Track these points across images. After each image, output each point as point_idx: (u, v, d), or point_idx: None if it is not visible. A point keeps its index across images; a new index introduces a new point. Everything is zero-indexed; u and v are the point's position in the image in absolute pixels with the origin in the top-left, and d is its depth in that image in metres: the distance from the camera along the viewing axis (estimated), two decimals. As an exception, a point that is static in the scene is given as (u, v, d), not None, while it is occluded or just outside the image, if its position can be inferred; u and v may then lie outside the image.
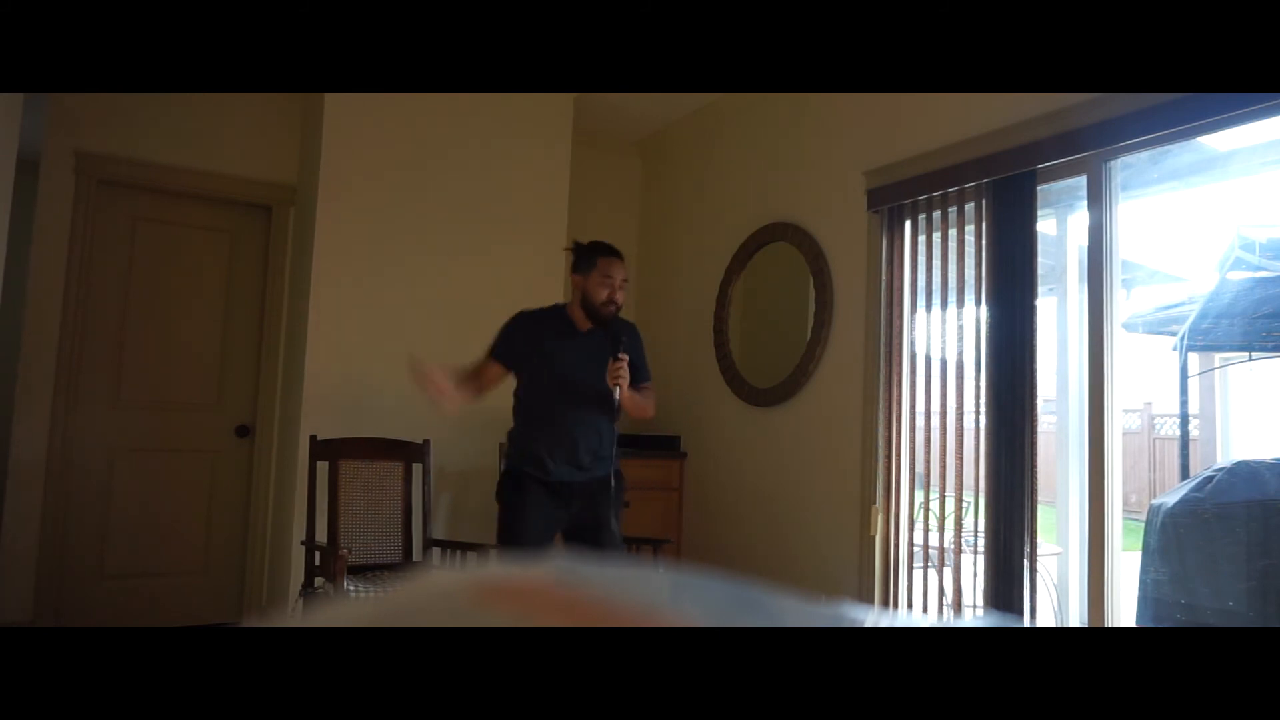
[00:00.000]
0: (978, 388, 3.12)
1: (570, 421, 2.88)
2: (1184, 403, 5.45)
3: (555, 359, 2.89)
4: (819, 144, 3.98)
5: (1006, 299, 3.03)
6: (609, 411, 2.88)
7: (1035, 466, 2.93)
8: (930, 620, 3.28)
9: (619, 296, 2.91)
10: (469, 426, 3.96)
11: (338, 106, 4.00)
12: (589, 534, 2.92)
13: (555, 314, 3.00)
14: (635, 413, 2.98)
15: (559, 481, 2.89)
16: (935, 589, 3.34)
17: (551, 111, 4.50)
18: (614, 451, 2.98)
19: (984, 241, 3.15)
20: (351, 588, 3.21)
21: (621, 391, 2.83)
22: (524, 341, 2.92)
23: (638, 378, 2.93)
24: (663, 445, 4.69)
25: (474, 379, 2.92)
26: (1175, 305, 5.47)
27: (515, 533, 2.86)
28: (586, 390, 2.87)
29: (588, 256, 2.93)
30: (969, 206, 3.24)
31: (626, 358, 2.83)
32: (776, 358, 4.09)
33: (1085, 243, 2.93)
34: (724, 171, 4.62)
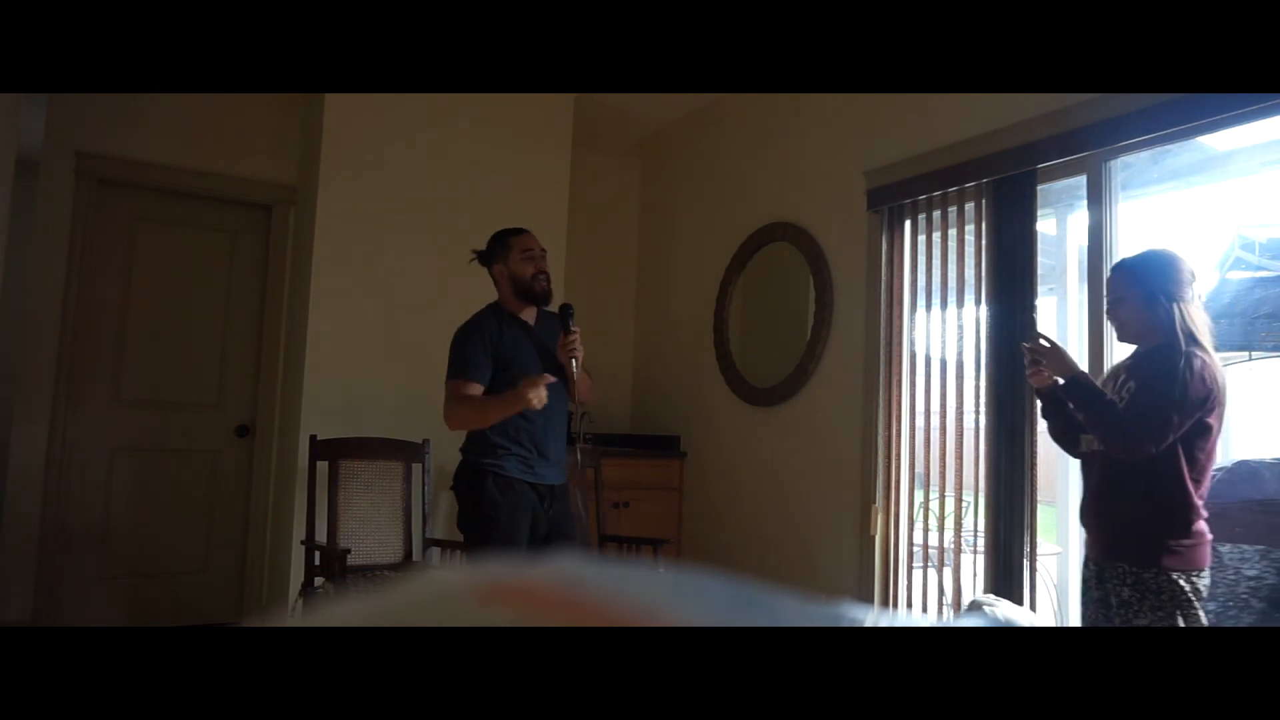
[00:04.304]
0: (978, 388, 3.12)
1: (545, 420, 2.74)
2: (1184, 403, 5.44)
3: (515, 362, 2.72)
4: (819, 144, 3.98)
5: (1006, 299, 3.03)
6: (565, 389, 2.77)
7: (1035, 466, 2.93)
8: (930, 620, 3.28)
9: (545, 266, 2.81)
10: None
11: (338, 106, 4.01)
12: (562, 534, 2.80)
13: (495, 315, 2.81)
14: (583, 393, 2.86)
15: (545, 485, 2.77)
16: (935, 589, 3.34)
17: (551, 111, 4.50)
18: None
19: (984, 241, 3.15)
20: (352, 588, 3.21)
21: (578, 365, 2.71)
22: (486, 353, 2.72)
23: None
24: (663, 445, 4.69)
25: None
26: (1175, 305, 5.45)
27: (501, 535, 2.66)
28: (553, 385, 2.73)
29: (497, 242, 2.85)
30: (969, 206, 3.24)
31: (579, 331, 2.74)
32: (776, 358, 4.09)
33: (1085, 242, 2.93)
34: (724, 171, 4.62)
